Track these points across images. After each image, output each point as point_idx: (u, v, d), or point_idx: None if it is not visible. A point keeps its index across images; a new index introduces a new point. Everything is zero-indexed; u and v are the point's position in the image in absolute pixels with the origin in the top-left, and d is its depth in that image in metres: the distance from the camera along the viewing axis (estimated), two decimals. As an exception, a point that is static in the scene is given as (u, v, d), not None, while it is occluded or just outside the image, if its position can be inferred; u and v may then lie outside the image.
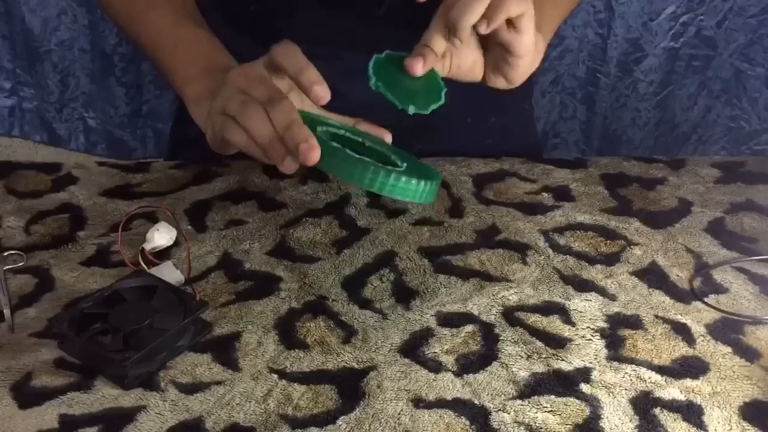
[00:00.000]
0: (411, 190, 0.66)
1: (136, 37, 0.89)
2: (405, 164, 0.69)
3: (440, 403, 0.63)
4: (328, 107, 0.92)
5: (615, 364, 0.67)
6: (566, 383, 0.65)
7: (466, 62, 0.75)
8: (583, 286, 0.75)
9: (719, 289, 0.75)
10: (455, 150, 0.94)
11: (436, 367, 0.66)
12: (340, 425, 0.61)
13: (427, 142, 0.96)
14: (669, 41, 1.34)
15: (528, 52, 0.73)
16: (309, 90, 0.66)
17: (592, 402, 0.63)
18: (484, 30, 0.69)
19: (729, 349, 0.69)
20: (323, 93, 0.66)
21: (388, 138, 0.74)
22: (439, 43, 0.71)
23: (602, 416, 0.62)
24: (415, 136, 0.97)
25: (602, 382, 0.65)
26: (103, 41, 1.35)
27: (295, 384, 0.65)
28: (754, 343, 0.70)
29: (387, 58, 0.71)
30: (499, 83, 0.78)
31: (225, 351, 0.67)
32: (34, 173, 0.90)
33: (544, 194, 0.88)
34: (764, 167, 0.94)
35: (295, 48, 0.68)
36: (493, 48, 0.75)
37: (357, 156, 0.65)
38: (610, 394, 0.64)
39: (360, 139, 0.72)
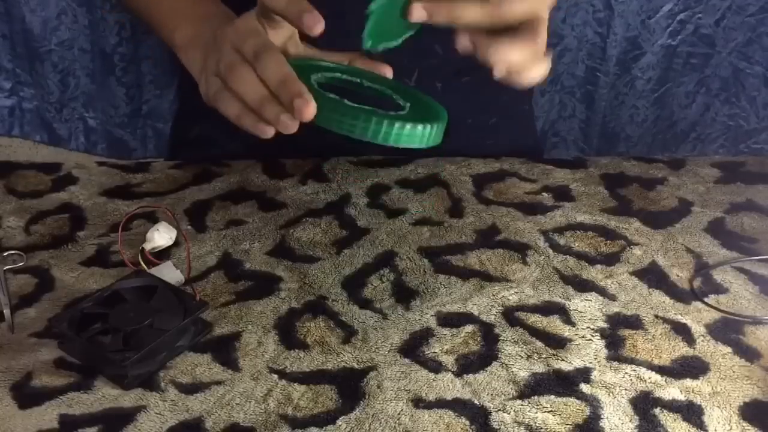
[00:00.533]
0: (417, 136, 0.62)
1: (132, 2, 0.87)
2: (408, 103, 0.66)
3: (440, 403, 0.63)
4: None
5: (615, 364, 0.67)
6: (566, 383, 0.65)
7: None
8: (583, 286, 0.75)
9: (719, 289, 0.75)
10: (455, 150, 0.94)
11: (436, 367, 0.66)
12: (340, 425, 0.61)
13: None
14: (666, 39, 1.34)
15: None
16: (299, 21, 0.62)
17: (592, 402, 0.63)
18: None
19: (729, 349, 0.69)
20: (314, 21, 0.61)
21: (388, 73, 0.71)
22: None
23: (602, 416, 0.62)
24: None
25: (602, 382, 0.65)
26: (103, 41, 1.35)
27: (295, 384, 0.65)
28: (754, 343, 0.70)
29: None
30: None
31: (225, 351, 0.67)
32: (34, 173, 0.90)
33: (544, 194, 0.88)
34: (764, 167, 0.94)
35: None
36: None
37: (356, 106, 0.61)
38: (610, 394, 0.64)
39: (358, 80, 0.69)
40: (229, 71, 0.65)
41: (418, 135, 0.62)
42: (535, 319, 0.71)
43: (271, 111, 0.63)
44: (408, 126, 0.62)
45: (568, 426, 0.61)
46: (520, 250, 0.80)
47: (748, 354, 0.69)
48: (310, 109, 0.60)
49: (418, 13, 0.63)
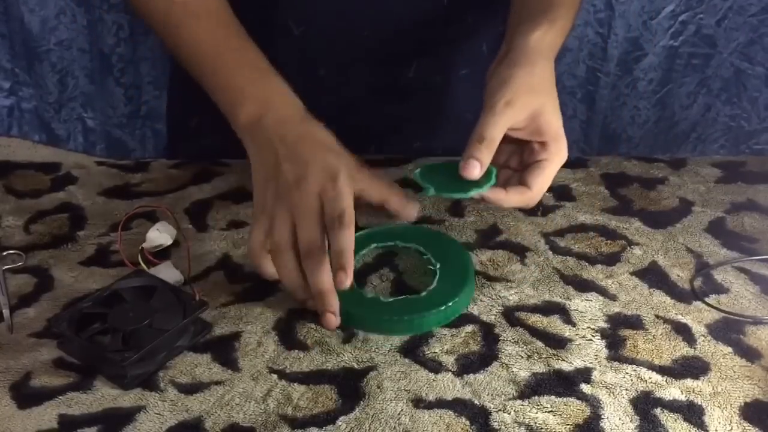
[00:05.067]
0: (439, 320, 0.70)
1: (176, 49, 0.83)
2: (438, 264, 0.74)
3: (440, 404, 0.63)
4: (325, 107, 0.93)
5: (615, 364, 0.67)
6: (567, 383, 0.65)
7: None
8: (584, 286, 0.75)
9: (720, 289, 0.75)
10: (455, 147, 0.94)
11: (436, 367, 0.66)
12: (340, 425, 0.61)
13: (427, 139, 0.96)
14: (668, 40, 1.34)
15: None
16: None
17: (593, 402, 0.63)
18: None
19: (730, 349, 0.69)
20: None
21: (414, 212, 0.75)
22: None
23: (603, 416, 0.62)
24: (415, 133, 0.97)
25: (603, 383, 0.65)
26: (102, 41, 1.35)
27: (295, 384, 0.64)
28: (754, 343, 0.70)
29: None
30: None
31: (225, 351, 0.67)
32: (33, 173, 0.90)
33: (545, 194, 0.88)
34: (765, 167, 0.94)
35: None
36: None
37: (380, 312, 0.70)
38: (611, 394, 0.64)
39: (398, 244, 0.79)
40: (275, 250, 0.70)
41: (442, 319, 0.71)
42: (536, 319, 0.71)
43: (301, 295, 0.70)
44: (425, 319, 0.70)
45: (568, 426, 0.61)
46: (521, 250, 0.80)
47: (749, 354, 0.68)
48: (333, 325, 0.68)
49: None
